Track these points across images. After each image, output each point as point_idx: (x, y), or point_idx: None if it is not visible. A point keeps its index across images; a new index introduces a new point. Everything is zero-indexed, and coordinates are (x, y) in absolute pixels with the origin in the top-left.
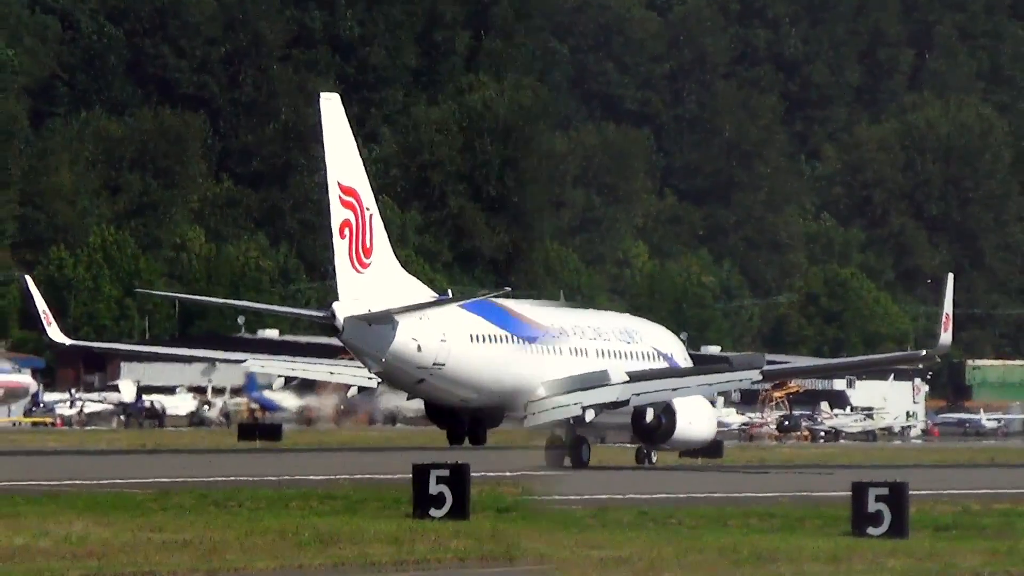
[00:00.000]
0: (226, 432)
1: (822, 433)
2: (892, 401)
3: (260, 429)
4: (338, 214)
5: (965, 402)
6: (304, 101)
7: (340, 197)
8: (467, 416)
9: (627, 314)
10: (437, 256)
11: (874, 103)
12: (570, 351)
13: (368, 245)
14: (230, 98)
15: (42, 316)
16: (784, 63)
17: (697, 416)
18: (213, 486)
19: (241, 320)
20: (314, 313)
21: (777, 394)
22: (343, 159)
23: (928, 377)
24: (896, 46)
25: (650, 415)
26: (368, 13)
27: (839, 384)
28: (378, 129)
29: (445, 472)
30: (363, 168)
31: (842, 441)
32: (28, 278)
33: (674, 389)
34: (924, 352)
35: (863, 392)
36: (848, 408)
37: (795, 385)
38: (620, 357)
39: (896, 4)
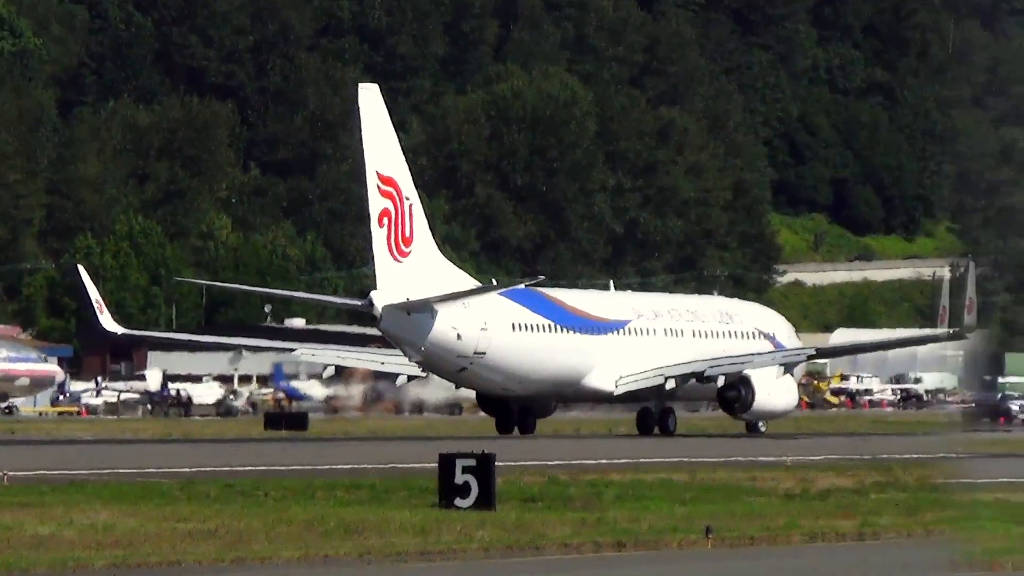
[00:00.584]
0: (253, 421)
1: (407, 405)
2: None
3: (286, 418)
4: (376, 203)
5: None
6: (332, 90)
7: (379, 186)
8: (516, 406)
9: (734, 299)
10: (464, 245)
11: (459, 74)
12: (663, 332)
13: (408, 234)
14: (258, 87)
15: (95, 305)
16: (368, 35)
17: (777, 389)
18: (239, 475)
19: (268, 309)
20: (353, 302)
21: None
22: (382, 149)
23: None
24: (481, 17)
25: (730, 388)
26: (396, 3)
27: None
28: (406, 118)
29: (471, 462)
30: (403, 158)
31: (426, 414)
32: (81, 268)
33: (742, 363)
34: (953, 331)
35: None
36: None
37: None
38: (717, 337)
39: None
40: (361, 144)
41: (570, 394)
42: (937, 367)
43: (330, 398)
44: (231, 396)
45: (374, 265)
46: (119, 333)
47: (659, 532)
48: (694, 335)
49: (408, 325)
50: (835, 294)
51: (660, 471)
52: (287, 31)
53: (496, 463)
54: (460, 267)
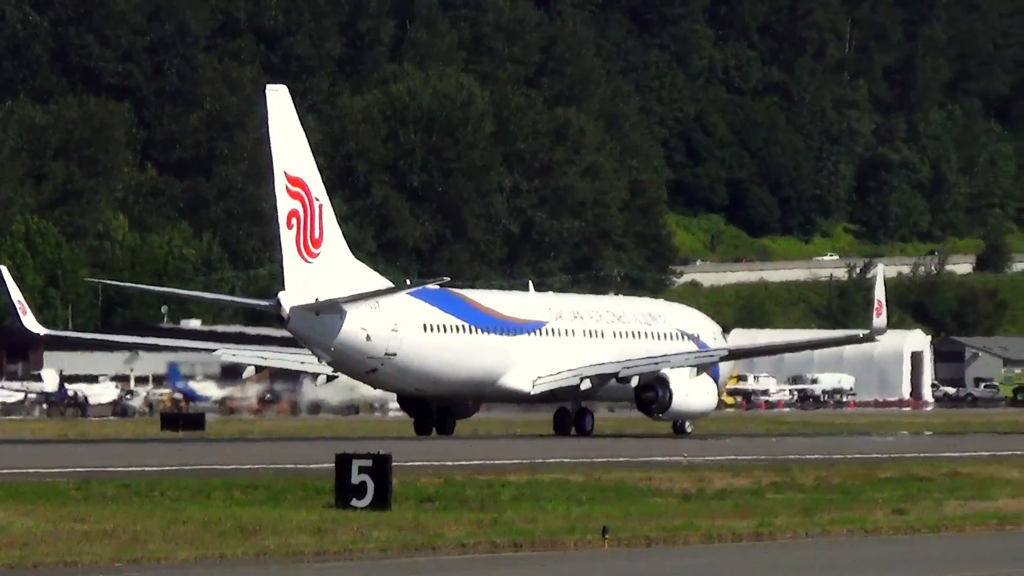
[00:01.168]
0: (149, 421)
1: (304, 406)
2: None
3: (183, 419)
4: (285, 204)
5: None
6: (229, 90)
7: (287, 187)
8: (436, 406)
9: (660, 300)
10: (361, 245)
11: (356, 74)
12: (583, 333)
13: (317, 236)
14: (155, 87)
15: (17, 306)
16: (265, 35)
17: (694, 389)
18: (136, 476)
19: (164, 310)
20: (260, 302)
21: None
22: (290, 150)
23: None
24: (377, 17)
25: (646, 389)
26: (293, 3)
27: None
28: (303, 118)
29: (368, 462)
30: (312, 159)
31: (323, 414)
32: (3, 269)
33: (656, 363)
34: (863, 333)
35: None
36: (328, 381)
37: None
38: (640, 338)
39: None
40: (268, 146)
41: (488, 394)
42: (834, 368)
43: (227, 399)
44: (127, 396)
45: (282, 266)
46: (41, 334)
47: (555, 533)
48: (616, 336)
49: (316, 326)
50: (731, 295)
51: (557, 472)
52: (184, 31)
53: (393, 463)
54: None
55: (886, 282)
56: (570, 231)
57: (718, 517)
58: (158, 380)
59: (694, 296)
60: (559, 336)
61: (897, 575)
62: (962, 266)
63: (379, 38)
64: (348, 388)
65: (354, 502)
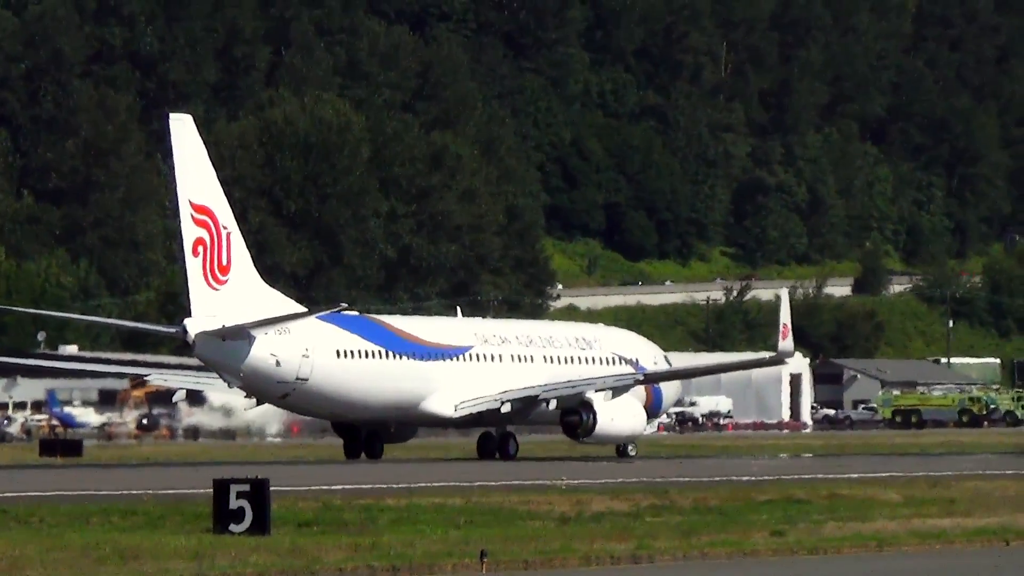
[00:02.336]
0: (27, 448)
1: (181, 431)
2: (252, 399)
3: (61, 444)
4: (190, 232)
5: None
6: (105, 117)
7: (192, 216)
8: (365, 430)
9: (598, 325)
10: None
11: (232, 100)
12: (511, 358)
13: (225, 263)
14: (31, 115)
15: None
16: (140, 61)
17: (620, 413)
18: (13, 502)
19: (41, 336)
20: (165, 329)
21: (136, 393)
22: (195, 178)
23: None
24: (252, 43)
25: (571, 413)
26: (168, 29)
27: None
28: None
29: (246, 487)
30: (219, 187)
31: (201, 440)
32: None
33: (574, 387)
34: (770, 356)
35: (223, 390)
36: (207, 406)
37: (154, 385)
38: (572, 363)
39: (252, 1)
40: (173, 174)
41: (411, 419)
42: (712, 391)
43: (105, 424)
44: (5, 422)
45: (188, 293)
46: None
47: (434, 556)
48: (546, 360)
49: (223, 351)
50: (609, 318)
51: (436, 496)
52: (59, 57)
53: (272, 488)
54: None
55: (764, 305)
56: (447, 256)
57: (596, 540)
58: (36, 406)
59: (571, 320)
60: (484, 361)
61: None
62: (840, 289)
63: (255, 64)
64: (225, 413)
65: (232, 527)
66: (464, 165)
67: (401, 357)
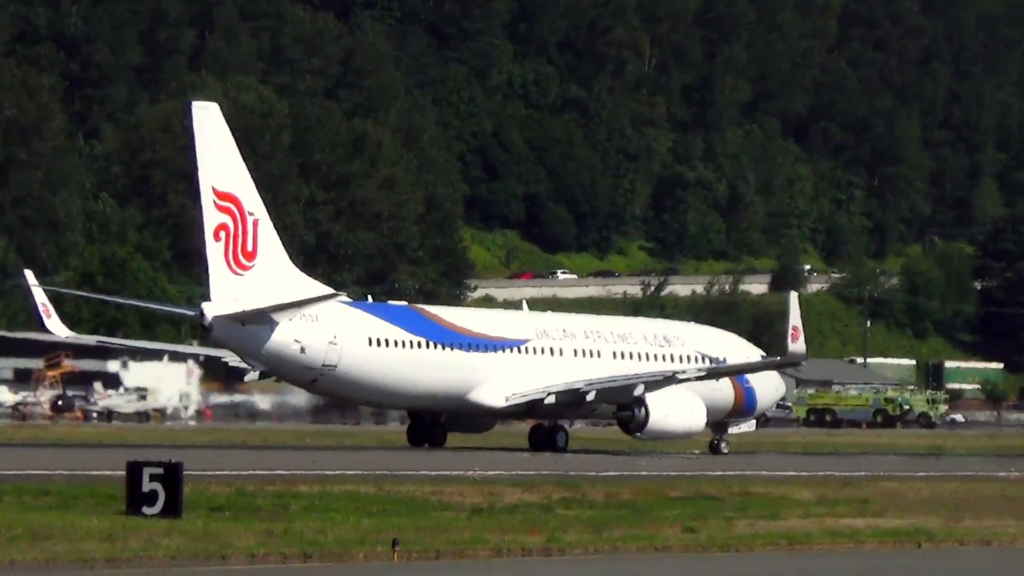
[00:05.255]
0: None
1: (95, 413)
2: (166, 382)
3: None
4: (212, 218)
5: (239, 385)
6: (28, 96)
7: (215, 202)
8: (428, 418)
9: (685, 323)
10: (156, 254)
11: (155, 83)
12: (573, 352)
13: (250, 248)
14: None
15: (40, 309)
16: (65, 42)
17: (676, 409)
18: None
19: None
20: (184, 311)
21: (51, 373)
22: (219, 165)
23: (202, 360)
24: (177, 26)
25: (624, 408)
26: (93, 10)
27: (113, 365)
28: (100, 126)
29: (159, 470)
30: (247, 174)
31: (115, 422)
32: (28, 272)
33: (616, 382)
34: (781, 359)
35: (137, 373)
36: (122, 388)
37: (69, 365)
38: (647, 359)
39: None
40: (195, 160)
41: (460, 408)
42: None
43: (19, 404)
44: None
45: (208, 277)
46: (64, 337)
47: (345, 544)
48: (616, 356)
49: (242, 336)
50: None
51: (348, 483)
52: None
53: (185, 472)
54: (153, 277)
55: (679, 300)
56: (365, 243)
57: (508, 532)
58: None
59: None
60: (541, 354)
61: None
62: (757, 286)
63: (179, 47)
64: (140, 396)
65: (145, 510)
66: (385, 153)
67: (444, 347)
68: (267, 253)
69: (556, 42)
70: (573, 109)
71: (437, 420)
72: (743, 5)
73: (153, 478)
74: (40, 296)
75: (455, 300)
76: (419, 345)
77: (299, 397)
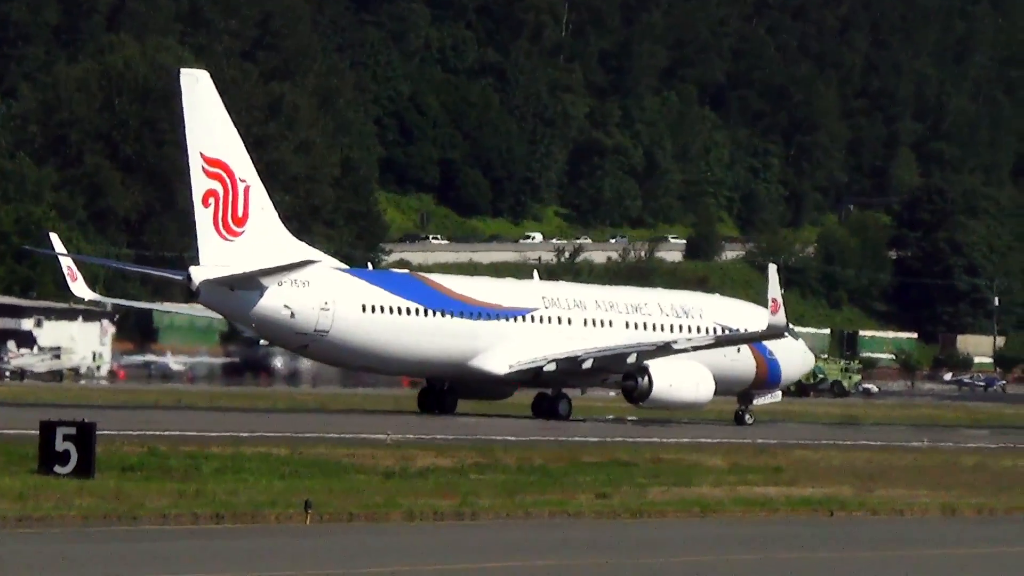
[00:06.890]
0: None
1: (8, 372)
2: (80, 341)
3: None
4: (201, 184)
5: (153, 344)
6: None
7: (204, 168)
8: (439, 385)
9: (707, 294)
10: (72, 214)
11: (72, 43)
12: (583, 322)
13: (240, 214)
14: None
15: (66, 272)
16: None
17: (680, 379)
18: None
19: None
20: (172, 275)
21: None
22: (209, 132)
23: (116, 319)
24: None
25: (628, 377)
26: None
27: (27, 324)
28: (17, 85)
29: (72, 430)
30: (239, 141)
31: (27, 381)
32: (54, 236)
33: (612, 352)
34: (761, 332)
35: (51, 332)
36: (35, 348)
37: None
38: (660, 330)
39: None
40: (184, 128)
41: (461, 375)
42: None
43: None
44: None
45: (196, 242)
46: (87, 299)
47: (258, 506)
48: (628, 327)
49: (231, 300)
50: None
51: (261, 445)
52: None
53: (98, 432)
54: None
55: (594, 267)
56: (281, 206)
57: (421, 496)
58: None
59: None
60: (548, 323)
61: (598, 558)
62: (672, 253)
63: (96, 7)
64: (54, 356)
65: (57, 469)
66: (301, 116)
67: (443, 315)
68: (259, 219)
69: (474, 7)
70: (490, 74)
71: (446, 387)
72: None
73: (66, 438)
74: (66, 259)
75: (371, 264)
76: (415, 312)
77: (212, 359)
